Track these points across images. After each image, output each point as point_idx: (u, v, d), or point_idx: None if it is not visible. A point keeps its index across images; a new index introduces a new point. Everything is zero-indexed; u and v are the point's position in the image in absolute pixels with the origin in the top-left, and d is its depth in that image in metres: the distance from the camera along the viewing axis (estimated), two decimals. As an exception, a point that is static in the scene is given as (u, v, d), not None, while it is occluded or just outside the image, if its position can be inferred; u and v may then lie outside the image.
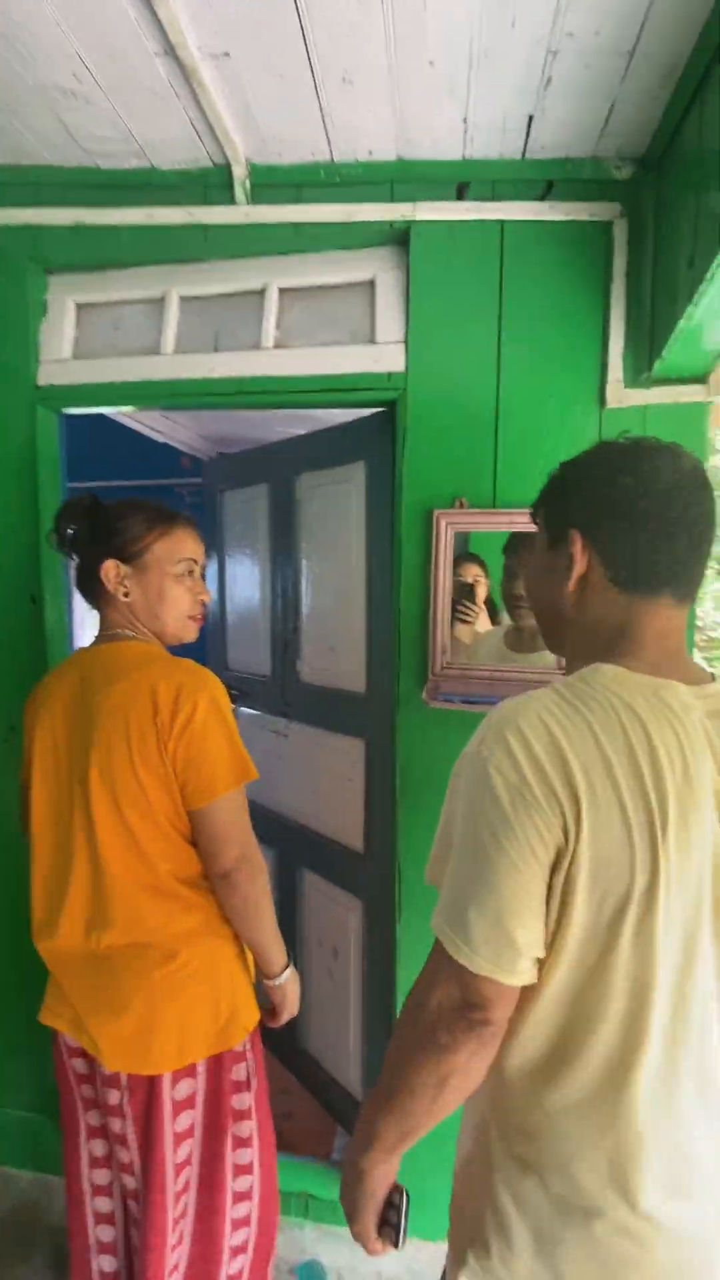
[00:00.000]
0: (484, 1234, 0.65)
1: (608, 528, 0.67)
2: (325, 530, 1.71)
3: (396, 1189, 0.70)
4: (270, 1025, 1.13)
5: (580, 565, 0.69)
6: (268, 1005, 1.12)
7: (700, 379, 1.25)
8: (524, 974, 0.60)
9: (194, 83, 1.10)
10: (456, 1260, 0.68)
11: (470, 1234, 0.67)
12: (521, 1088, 0.65)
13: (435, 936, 0.64)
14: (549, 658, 1.32)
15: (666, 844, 0.58)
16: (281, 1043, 1.92)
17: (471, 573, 1.36)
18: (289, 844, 1.90)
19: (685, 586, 0.68)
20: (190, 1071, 1.01)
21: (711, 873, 0.60)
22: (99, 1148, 1.10)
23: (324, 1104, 1.83)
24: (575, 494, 0.70)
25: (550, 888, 0.59)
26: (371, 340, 1.39)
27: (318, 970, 1.80)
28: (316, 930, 1.83)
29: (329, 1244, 1.53)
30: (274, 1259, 1.15)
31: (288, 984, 1.10)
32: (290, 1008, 1.12)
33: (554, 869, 0.59)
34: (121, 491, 1.16)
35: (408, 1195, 0.70)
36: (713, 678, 0.68)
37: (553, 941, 0.60)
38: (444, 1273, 0.72)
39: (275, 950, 1.07)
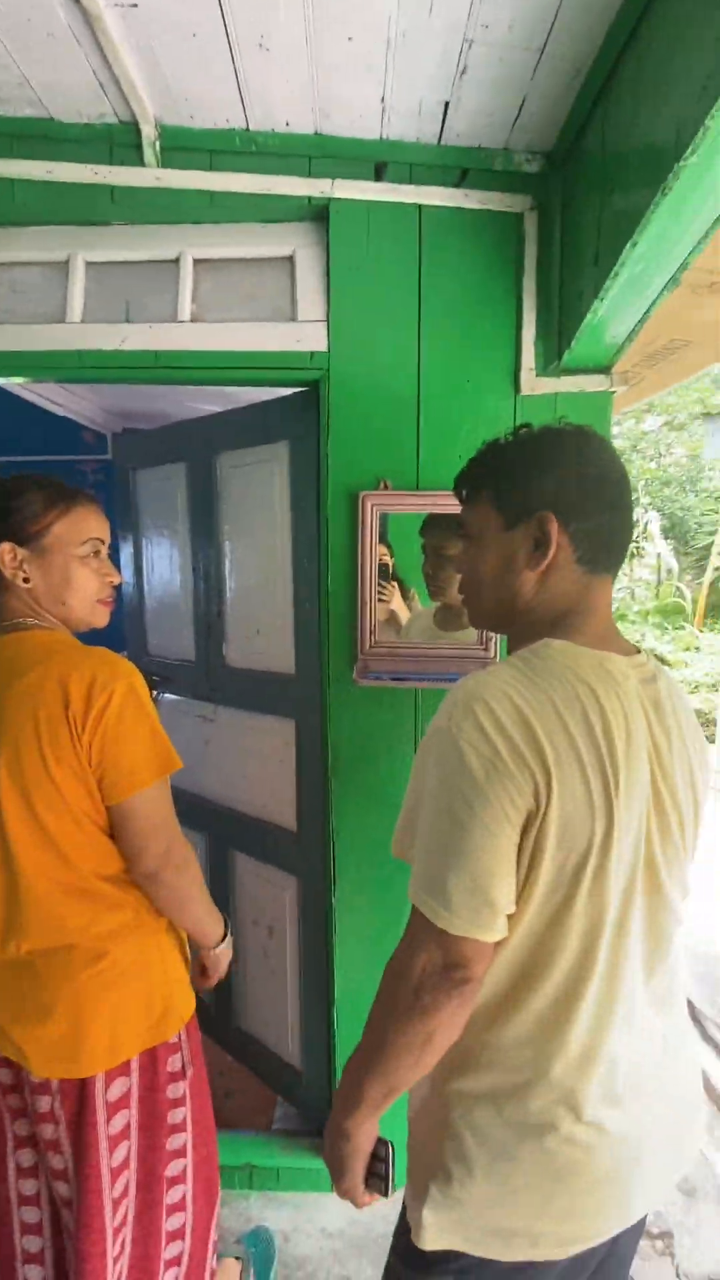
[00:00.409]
0: (445, 1164, 0.70)
1: (581, 510, 0.71)
2: (248, 510, 1.69)
3: (381, 1142, 0.73)
4: (201, 987, 1.14)
5: (554, 548, 0.71)
6: (198, 967, 1.13)
7: (604, 370, 1.34)
8: (500, 930, 0.65)
9: (97, 31, 1.03)
10: (417, 1195, 0.72)
11: (431, 1167, 0.71)
12: (479, 1027, 0.70)
13: (413, 905, 0.67)
14: (473, 634, 1.38)
15: (618, 801, 0.64)
16: (217, 1025, 1.93)
17: (379, 552, 1.40)
18: (220, 828, 1.89)
19: (619, 564, 0.76)
20: (124, 1070, 1.00)
21: (644, 820, 0.68)
22: (26, 1158, 1.07)
23: (264, 1078, 1.86)
24: (544, 477, 0.72)
25: (520, 848, 0.64)
26: (293, 318, 1.37)
27: (253, 950, 1.81)
28: (251, 910, 1.84)
29: (274, 1209, 1.57)
30: (214, 1239, 1.17)
31: (222, 951, 1.12)
32: (221, 971, 1.14)
33: (524, 831, 0.64)
34: (15, 467, 1.06)
35: (392, 1146, 0.73)
36: (638, 649, 0.76)
37: (519, 894, 0.65)
38: (402, 1212, 0.77)
39: (212, 926, 1.08)
